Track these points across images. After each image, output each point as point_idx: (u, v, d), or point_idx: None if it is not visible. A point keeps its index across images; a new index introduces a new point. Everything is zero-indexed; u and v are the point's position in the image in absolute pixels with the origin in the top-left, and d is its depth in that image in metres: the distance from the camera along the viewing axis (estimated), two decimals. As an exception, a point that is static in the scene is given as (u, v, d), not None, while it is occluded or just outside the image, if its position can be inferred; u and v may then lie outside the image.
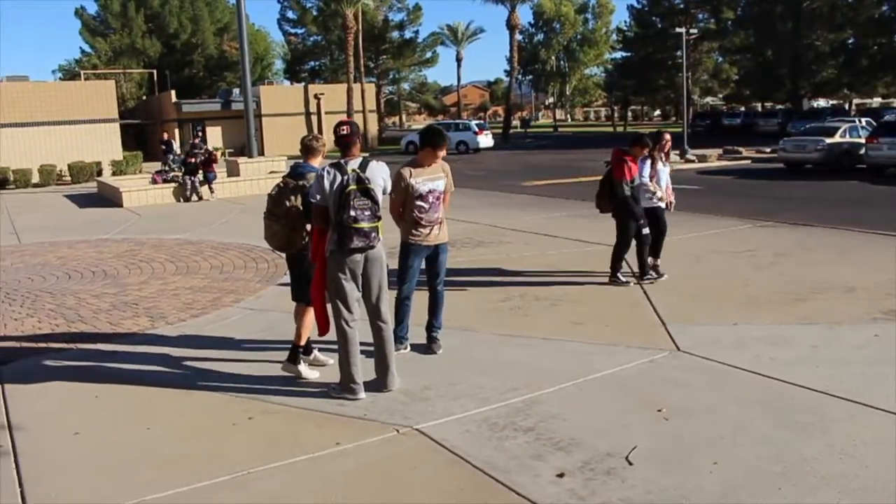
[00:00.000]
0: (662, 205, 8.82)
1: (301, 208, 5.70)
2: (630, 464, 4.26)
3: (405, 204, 6.10)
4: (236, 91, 44.81)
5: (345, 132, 5.40)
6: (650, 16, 59.74)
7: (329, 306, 5.48)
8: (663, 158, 8.95)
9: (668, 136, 8.97)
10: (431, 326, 6.45)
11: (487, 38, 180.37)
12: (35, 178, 30.16)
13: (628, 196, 8.36)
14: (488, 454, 4.44)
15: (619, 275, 8.61)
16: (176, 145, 30.83)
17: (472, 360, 6.19)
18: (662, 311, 7.37)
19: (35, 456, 4.78)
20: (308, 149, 5.96)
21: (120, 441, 4.94)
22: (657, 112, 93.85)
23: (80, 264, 11.35)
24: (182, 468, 4.48)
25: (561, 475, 4.15)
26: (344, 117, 42.42)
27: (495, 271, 9.51)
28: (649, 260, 8.66)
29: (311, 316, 5.85)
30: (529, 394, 5.36)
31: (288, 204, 5.74)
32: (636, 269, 8.77)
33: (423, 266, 6.40)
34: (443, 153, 6.19)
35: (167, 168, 25.34)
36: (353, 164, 5.25)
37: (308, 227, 5.70)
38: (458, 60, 76.95)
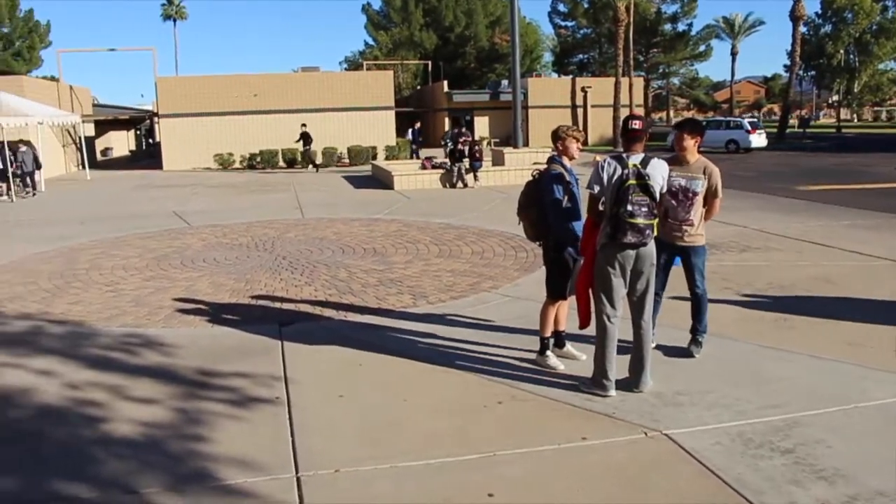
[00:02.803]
0: None
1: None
2: (905, 505, 3.84)
3: None
4: (504, 82, 45.96)
5: (636, 126, 5.27)
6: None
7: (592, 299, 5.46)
8: None
9: None
10: (695, 329, 6.22)
11: (767, 30, 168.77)
12: (318, 159, 32.96)
13: None
14: (740, 471, 4.21)
15: None
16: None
17: (728, 369, 5.88)
18: (958, 339, 6.52)
19: (305, 410, 5.26)
20: (557, 139, 5.96)
21: (378, 408, 5.28)
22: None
23: (353, 240, 12.25)
24: (433, 441, 4.70)
25: (822, 505, 3.84)
26: (610, 111, 42.25)
27: (761, 278, 8.94)
28: None
29: (549, 309, 5.96)
30: (790, 413, 4.99)
31: (525, 197, 5.93)
32: None
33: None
34: (690, 142, 5.92)
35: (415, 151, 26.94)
36: (635, 160, 5.16)
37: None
38: (733, 54, 73.05)
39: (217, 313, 7.95)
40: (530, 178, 5.98)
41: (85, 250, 12.04)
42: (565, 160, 5.84)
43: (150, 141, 54.24)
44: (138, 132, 57.61)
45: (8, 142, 22.11)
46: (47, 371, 6.22)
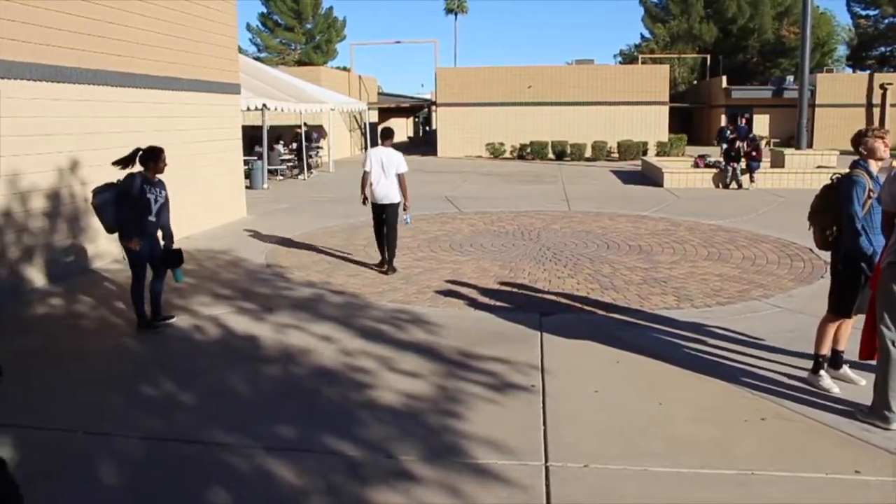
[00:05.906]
0: None
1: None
2: None
3: None
4: (789, 78, 42.93)
5: None
6: None
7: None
8: None
9: None
10: None
11: None
12: (587, 153, 32.97)
13: None
14: None
15: None
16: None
17: None
18: None
19: (559, 401, 5.30)
20: (859, 143, 5.42)
21: (632, 408, 5.19)
22: None
23: (619, 236, 12.10)
24: (686, 450, 4.53)
25: None
26: (916, 111, 37.84)
27: None
28: None
29: (828, 325, 5.53)
30: None
31: (819, 202, 5.55)
32: None
33: None
34: None
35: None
36: None
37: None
38: None
39: (480, 297, 8.23)
40: (828, 181, 5.53)
41: (363, 228, 12.93)
42: (872, 165, 5.32)
43: (427, 128, 57.23)
44: (416, 120, 61.06)
45: (285, 126, 24.54)
46: (325, 336, 6.82)
